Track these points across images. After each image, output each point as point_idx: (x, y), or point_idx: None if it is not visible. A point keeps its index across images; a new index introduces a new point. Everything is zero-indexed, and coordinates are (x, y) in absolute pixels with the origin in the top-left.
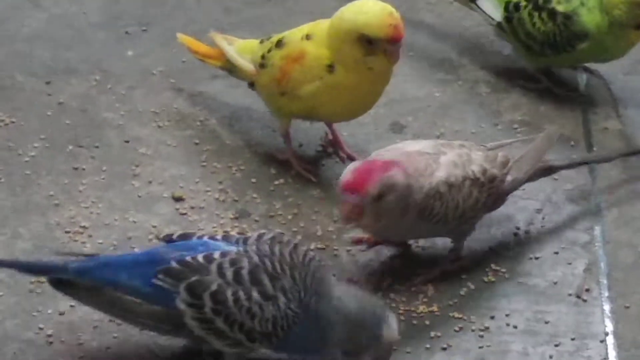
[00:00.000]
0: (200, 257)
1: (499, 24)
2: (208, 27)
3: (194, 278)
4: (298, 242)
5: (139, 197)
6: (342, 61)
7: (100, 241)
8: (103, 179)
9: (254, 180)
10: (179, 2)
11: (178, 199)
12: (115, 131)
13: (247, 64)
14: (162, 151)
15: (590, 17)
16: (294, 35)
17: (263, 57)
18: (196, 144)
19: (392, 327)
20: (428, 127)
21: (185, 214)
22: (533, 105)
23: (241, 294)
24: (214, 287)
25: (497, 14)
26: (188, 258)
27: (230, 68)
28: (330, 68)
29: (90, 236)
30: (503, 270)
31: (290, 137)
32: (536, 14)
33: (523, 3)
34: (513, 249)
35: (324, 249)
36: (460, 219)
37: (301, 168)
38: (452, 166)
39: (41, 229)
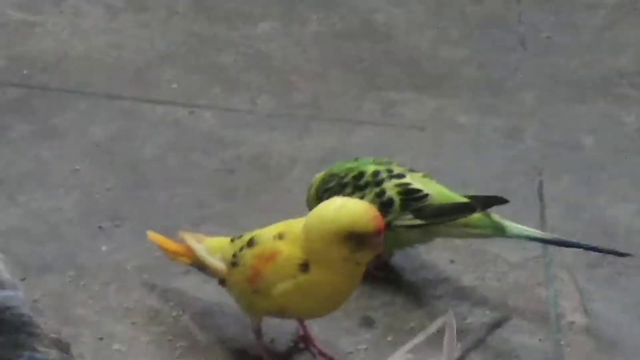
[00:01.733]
0: None
1: None
2: (181, 222)
3: None
4: None
5: None
6: (322, 261)
7: None
8: None
9: None
10: (151, 197)
11: None
12: (89, 328)
13: (217, 263)
14: (136, 348)
15: None
16: (265, 234)
17: (235, 255)
18: (170, 340)
19: None
20: (399, 322)
21: None
22: (501, 300)
23: None
24: None
25: None
26: None
27: (201, 266)
28: (304, 267)
29: None
30: None
31: (262, 333)
32: None
33: None
34: None
35: None
36: None
37: None
38: None
39: None
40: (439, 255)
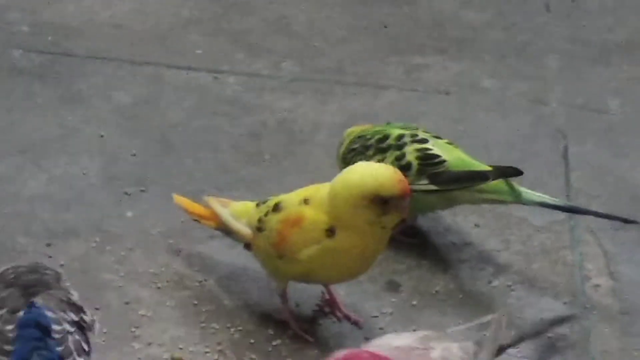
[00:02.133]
0: None
1: None
2: (206, 187)
3: None
4: None
5: (139, 359)
6: (348, 225)
7: None
8: (103, 341)
9: (252, 341)
10: (177, 163)
11: None
12: (115, 293)
13: (242, 227)
14: (162, 312)
15: None
16: (291, 199)
17: (260, 220)
18: (195, 304)
19: None
20: (424, 286)
21: None
22: (526, 263)
23: None
24: None
25: None
26: None
27: (226, 229)
28: (330, 232)
29: None
30: None
31: (287, 297)
32: None
33: None
34: None
35: None
36: None
37: (298, 328)
38: None
39: None
40: (464, 219)
